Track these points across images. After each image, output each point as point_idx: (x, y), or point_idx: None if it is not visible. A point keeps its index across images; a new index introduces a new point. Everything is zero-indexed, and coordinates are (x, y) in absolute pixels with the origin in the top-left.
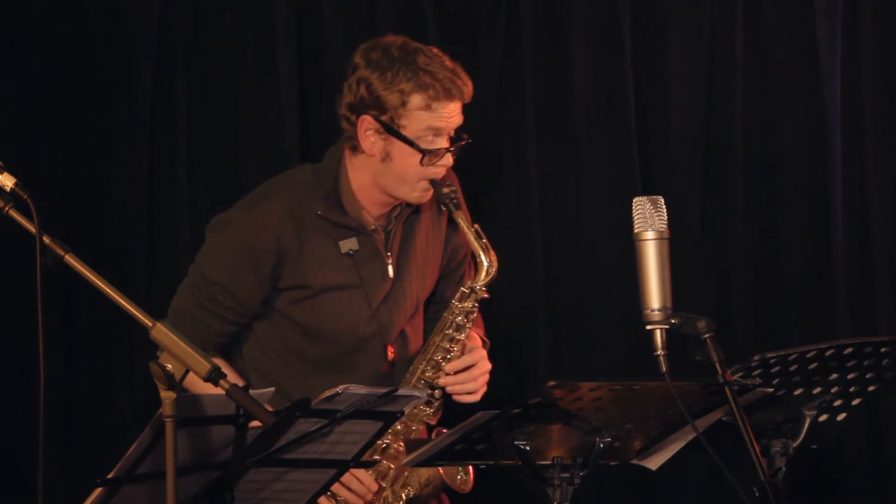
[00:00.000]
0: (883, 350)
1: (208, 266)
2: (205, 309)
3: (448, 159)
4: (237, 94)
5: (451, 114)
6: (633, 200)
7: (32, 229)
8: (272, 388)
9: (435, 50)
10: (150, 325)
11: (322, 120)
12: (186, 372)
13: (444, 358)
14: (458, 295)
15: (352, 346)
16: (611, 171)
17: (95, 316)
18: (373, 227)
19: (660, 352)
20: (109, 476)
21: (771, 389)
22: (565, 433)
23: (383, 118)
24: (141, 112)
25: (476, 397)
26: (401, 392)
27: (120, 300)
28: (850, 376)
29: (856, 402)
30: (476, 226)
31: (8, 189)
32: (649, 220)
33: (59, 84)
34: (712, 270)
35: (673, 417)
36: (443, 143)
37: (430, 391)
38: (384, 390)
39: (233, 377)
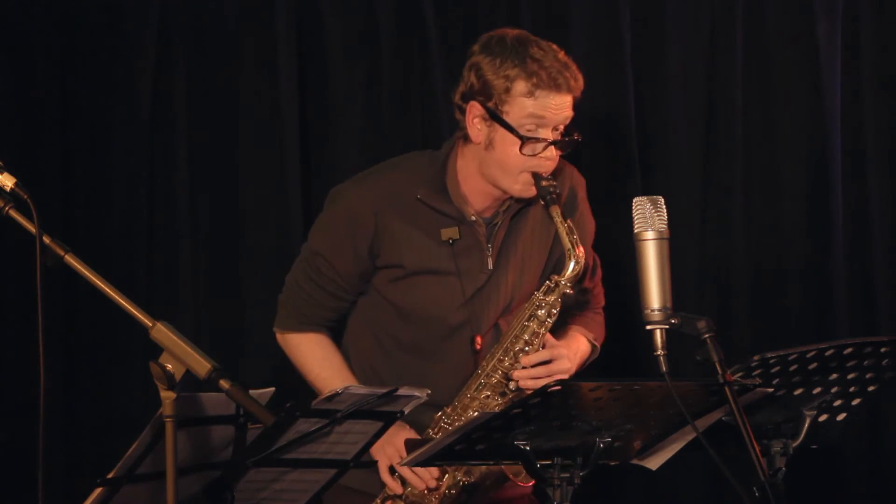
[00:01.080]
0: (883, 350)
1: (314, 237)
2: (311, 281)
3: (551, 152)
4: (237, 94)
5: (558, 106)
6: (633, 200)
7: (32, 229)
8: (272, 388)
9: (553, 45)
10: (150, 325)
11: (322, 120)
12: (186, 372)
13: (522, 350)
14: (542, 288)
15: (442, 332)
16: (611, 171)
17: (95, 316)
18: (473, 217)
19: (660, 352)
20: (109, 476)
21: (771, 389)
22: (565, 433)
23: (489, 104)
24: (141, 112)
25: None
26: (401, 392)
27: (120, 300)
28: (850, 376)
29: (856, 402)
30: (569, 222)
31: (8, 189)
32: (649, 220)
33: (59, 84)
34: (712, 270)
35: (673, 417)
36: (546, 134)
37: (505, 381)
38: (384, 390)
39: (333, 356)
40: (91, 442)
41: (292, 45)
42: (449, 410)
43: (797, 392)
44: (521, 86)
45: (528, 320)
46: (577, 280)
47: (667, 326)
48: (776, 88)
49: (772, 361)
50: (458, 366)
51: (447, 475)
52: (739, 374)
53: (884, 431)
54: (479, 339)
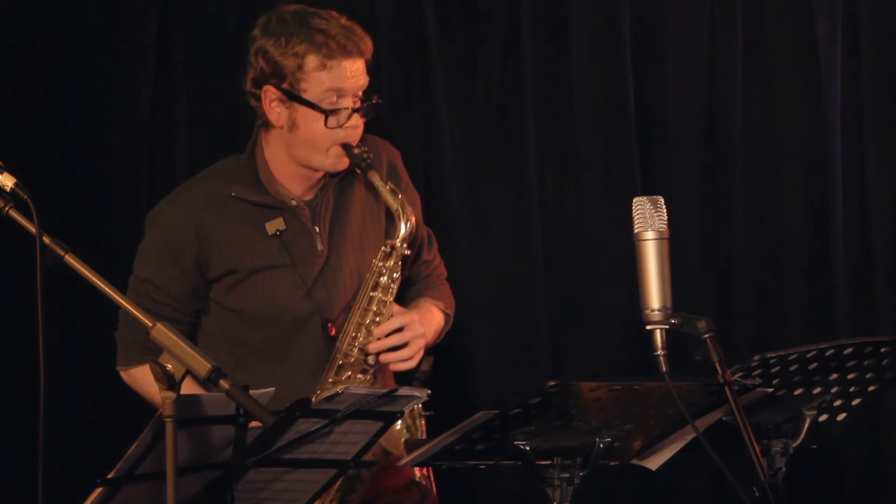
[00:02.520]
0: (883, 350)
1: (138, 264)
2: (144, 310)
3: (355, 120)
4: (237, 94)
5: (353, 73)
6: (633, 200)
7: (32, 229)
8: (272, 389)
9: (333, 13)
10: (150, 325)
11: None
12: (186, 372)
13: (373, 321)
14: (379, 255)
15: (291, 327)
16: (611, 171)
17: (95, 316)
18: (294, 203)
19: (660, 352)
20: (109, 476)
21: (771, 389)
22: (565, 433)
23: (284, 85)
24: (141, 112)
25: (410, 364)
26: (401, 392)
27: (120, 300)
28: (850, 376)
29: (856, 402)
30: (391, 183)
31: (8, 189)
32: (649, 220)
33: (59, 85)
34: (712, 270)
35: (673, 417)
36: (347, 103)
37: (363, 357)
38: (384, 390)
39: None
40: (91, 442)
41: None
42: (314, 400)
43: (797, 392)
44: (312, 60)
45: (373, 290)
46: (412, 243)
47: (667, 326)
48: (776, 88)
49: (772, 361)
50: (316, 357)
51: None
52: (739, 374)
53: (884, 431)
54: (331, 326)
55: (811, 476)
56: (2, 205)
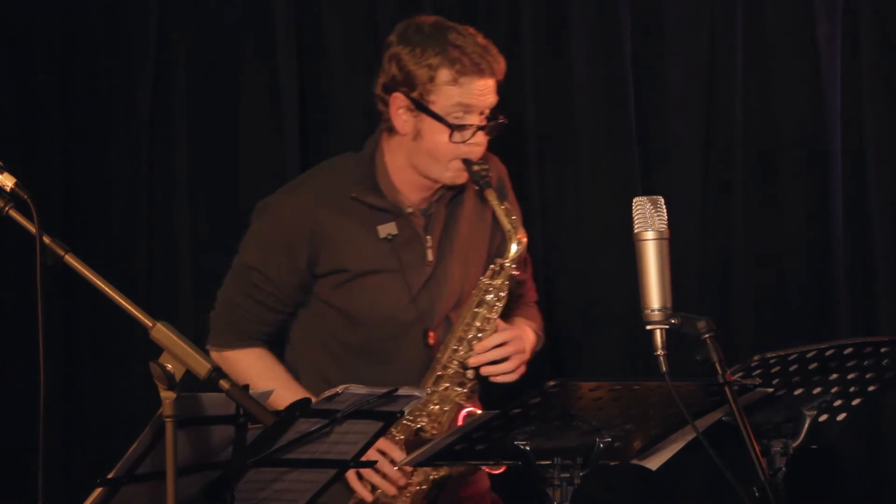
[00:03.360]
0: (883, 350)
1: (246, 252)
2: (247, 296)
3: (479, 137)
4: (237, 94)
5: (482, 91)
6: (633, 200)
7: (32, 229)
8: (272, 389)
9: (471, 29)
10: (150, 325)
11: (322, 120)
12: (186, 372)
13: (475, 337)
14: (488, 272)
15: (393, 331)
16: (611, 171)
17: (95, 316)
18: (410, 209)
19: (660, 352)
20: (109, 476)
21: (771, 389)
22: (565, 433)
23: (413, 94)
24: (141, 112)
25: (510, 377)
26: (401, 392)
27: (120, 300)
28: (850, 376)
29: (856, 402)
30: (506, 204)
31: (8, 189)
32: (649, 220)
33: (59, 84)
34: (712, 270)
35: (673, 417)
36: (473, 120)
37: (462, 370)
38: (384, 390)
39: (276, 368)
40: (91, 442)
41: (292, 44)
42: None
43: (797, 392)
44: (445, 74)
45: (478, 306)
46: (520, 264)
47: (667, 326)
48: (776, 88)
49: (772, 361)
50: (413, 363)
51: (416, 471)
52: (739, 374)
53: (884, 431)
54: (431, 334)
55: (811, 476)
56: (2, 205)
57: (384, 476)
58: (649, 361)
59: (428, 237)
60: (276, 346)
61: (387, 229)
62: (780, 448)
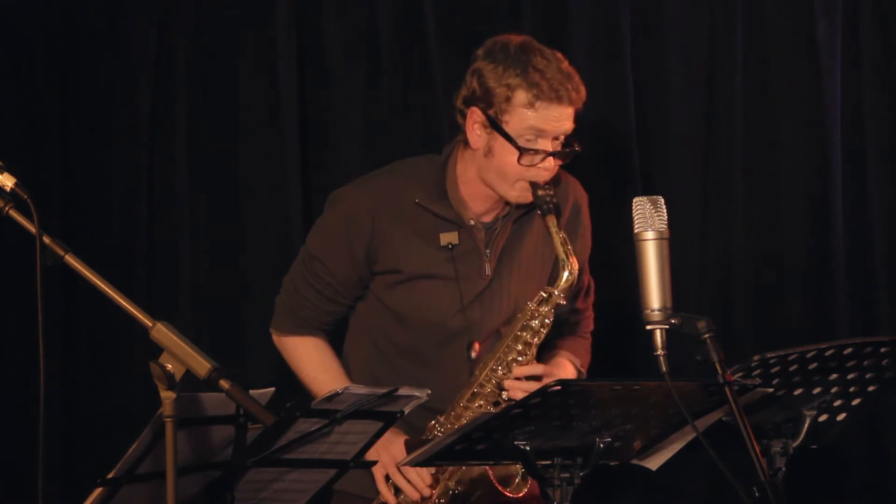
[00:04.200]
0: (883, 350)
1: (312, 240)
2: (308, 284)
3: (549, 163)
4: (237, 94)
5: (558, 117)
6: (633, 200)
7: (32, 229)
8: (272, 388)
9: (558, 55)
10: (150, 325)
11: (322, 120)
12: (186, 372)
13: (515, 360)
14: (536, 298)
15: (439, 337)
16: (611, 171)
17: (95, 316)
18: (472, 222)
19: (660, 352)
20: (109, 476)
21: (771, 389)
22: (565, 433)
23: (490, 112)
24: (141, 112)
25: None
26: (401, 392)
27: (120, 300)
28: (850, 376)
29: (856, 402)
30: (563, 233)
31: (8, 189)
32: (649, 220)
33: (59, 85)
34: (712, 270)
35: (673, 417)
36: (545, 145)
37: (498, 391)
38: (384, 390)
39: (328, 360)
40: (91, 442)
41: (292, 45)
42: (442, 419)
43: (797, 392)
44: (522, 96)
45: (522, 330)
46: (571, 292)
47: (667, 326)
48: (776, 89)
49: (772, 361)
50: (454, 372)
51: (439, 484)
52: (739, 374)
53: (884, 431)
54: (476, 346)
55: (811, 476)
56: (2, 205)
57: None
58: (649, 361)
59: (488, 251)
60: (340, 339)
61: (448, 238)
62: (780, 448)
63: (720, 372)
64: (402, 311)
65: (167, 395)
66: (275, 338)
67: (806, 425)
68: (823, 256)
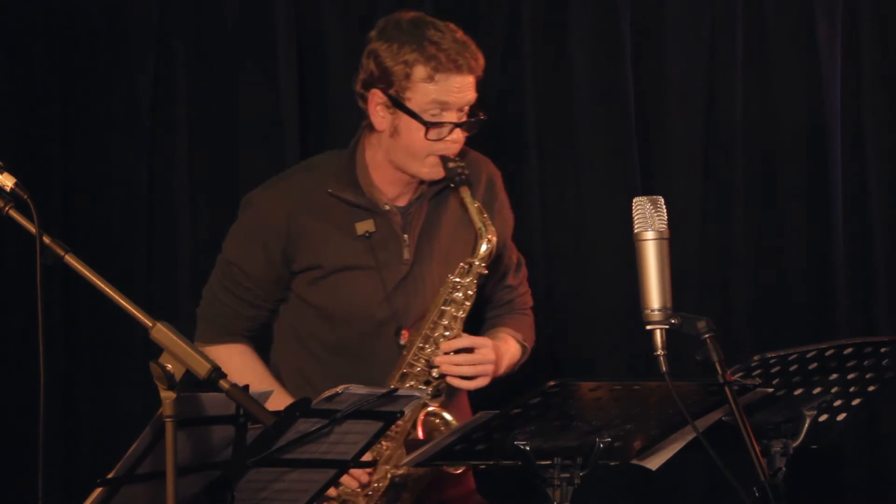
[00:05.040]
0: (883, 350)
1: (227, 246)
2: (227, 291)
3: (456, 135)
4: (237, 94)
5: (459, 88)
6: (633, 200)
7: (32, 229)
8: (272, 389)
9: (451, 25)
10: (150, 325)
11: (322, 120)
12: (186, 372)
13: (442, 335)
14: (457, 271)
15: (367, 329)
16: (611, 171)
17: (95, 316)
18: (387, 207)
19: (660, 352)
20: (109, 476)
21: (771, 389)
22: (565, 433)
23: (391, 91)
24: (141, 112)
25: (471, 385)
26: (401, 392)
27: (120, 300)
28: (850, 376)
29: (856, 402)
30: (479, 203)
31: (8, 189)
32: (649, 220)
33: (59, 84)
34: (712, 270)
35: (673, 417)
36: (450, 117)
37: (428, 369)
38: (384, 390)
39: (256, 365)
40: (91, 442)
41: (292, 45)
42: None
43: (797, 392)
44: (421, 71)
45: (446, 304)
46: (500, 269)
47: (667, 326)
48: (776, 88)
49: (772, 361)
50: (387, 362)
51: (376, 469)
52: (739, 374)
53: (884, 431)
54: (405, 333)
55: (811, 476)
56: (2, 205)
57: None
58: (649, 361)
59: (405, 235)
60: (265, 345)
61: (364, 226)
62: (780, 448)
63: (720, 372)
64: (327, 306)
65: (167, 395)
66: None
67: (806, 425)
68: (823, 256)
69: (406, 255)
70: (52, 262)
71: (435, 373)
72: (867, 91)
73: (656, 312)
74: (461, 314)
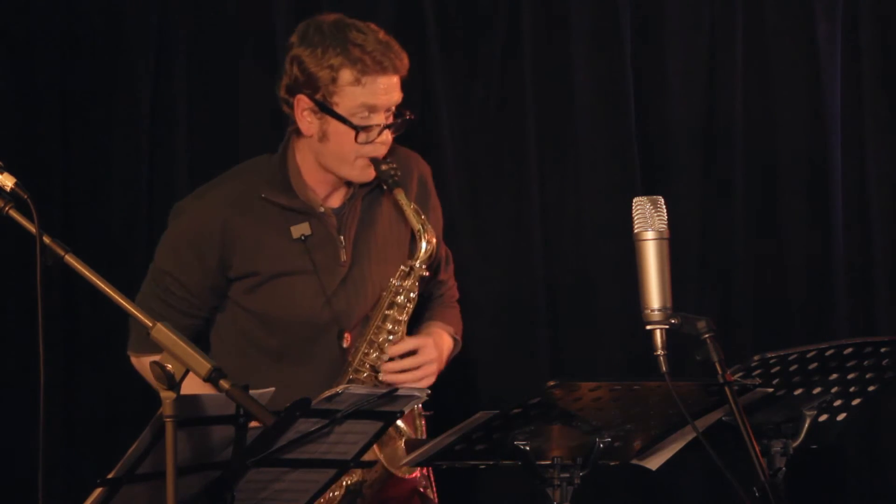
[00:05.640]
0: (883, 350)
1: (160, 256)
2: (160, 301)
3: (385, 136)
4: (237, 94)
5: (386, 89)
6: (633, 200)
7: (32, 229)
8: (272, 388)
9: (372, 26)
10: (150, 325)
11: None
12: (186, 372)
13: (386, 339)
14: (398, 274)
15: (308, 333)
16: (611, 171)
17: (95, 316)
18: (322, 209)
19: (660, 352)
20: (109, 476)
21: (771, 389)
22: (565, 433)
23: (317, 97)
24: (141, 112)
25: (419, 386)
26: (401, 392)
27: (120, 300)
28: (850, 376)
29: (856, 402)
30: (415, 204)
31: (8, 189)
32: (649, 220)
33: (59, 83)
34: (712, 270)
35: (673, 417)
36: (379, 119)
37: (374, 374)
38: (384, 390)
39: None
40: (91, 442)
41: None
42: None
43: (797, 392)
44: (347, 74)
45: (388, 308)
46: (431, 264)
47: (667, 326)
48: (776, 88)
49: (772, 361)
50: (329, 366)
51: None
52: (739, 374)
53: (884, 431)
54: (347, 336)
55: (811, 476)
56: (2, 205)
57: None
58: (649, 361)
59: (341, 237)
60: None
61: (300, 230)
62: (780, 448)
63: (720, 372)
64: (267, 313)
65: (167, 395)
66: (133, 360)
67: (806, 425)
68: (823, 256)
69: (343, 256)
70: (52, 262)
71: (381, 377)
72: (867, 91)
73: (656, 312)
74: (404, 317)
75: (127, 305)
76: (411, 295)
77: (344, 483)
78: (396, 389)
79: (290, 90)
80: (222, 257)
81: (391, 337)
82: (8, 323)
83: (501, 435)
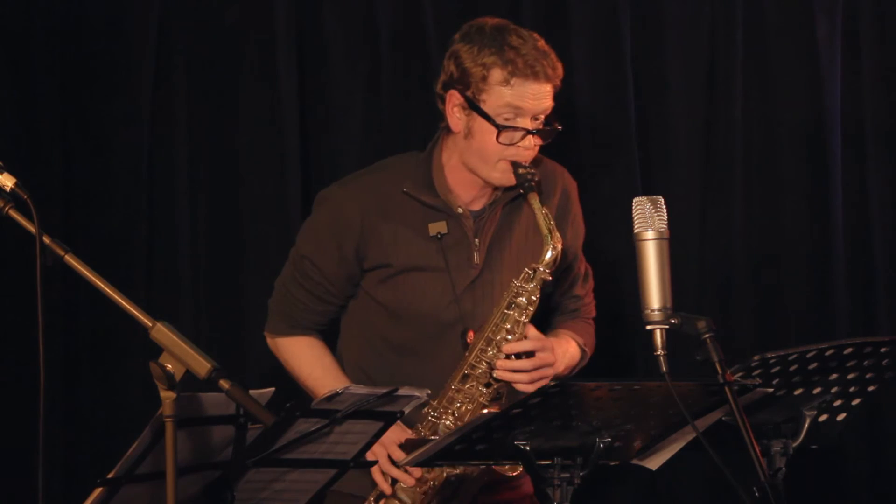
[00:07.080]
0: (883, 350)
1: (301, 240)
2: (299, 285)
3: (529, 141)
4: (237, 94)
5: (535, 95)
6: (633, 200)
7: (32, 229)
8: (272, 388)
9: (534, 34)
10: (150, 325)
11: (322, 120)
12: (186, 372)
13: (504, 338)
14: (521, 276)
15: (433, 329)
16: (611, 171)
17: (95, 316)
18: (460, 210)
19: (660, 352)
20: (109, 476)
21: (771, 389)
22: (565, 433)
23: (467, 93)
24: (141, 112)
25: (528, 389)
26: (401, 392)
27: (120, 300)
28: (850, 376)
29: (856, 402)
30: (546, 209)
31: (8, 189)
32: (649, 220)
33: (59, 83)
34: (712, 270)
35: (673, 417)
36: (524, 123)
37: (489, 370)
38: (384, 390)
39: (324, 357)
40: (91, 442)
41: (292, 45)
42: (435, 403)
43: (797, 392)
44: (497, 74)
45: (509, 308)
46: (567, 277)
47: (667, 326)
48: (776, 88)
49: (772, 361)
50: (450, 363)
51: (434, 468)
52: (739, 374)
53: (884, 431)
54: (471, 334)
55: (811, 476)
56: (2, 205)
57: (404, 470)
58: (649, 361)
59: (476, 240)
60: (332, 337)
61: (437, 227)
62: (780, 448)
63: (720, 372)
64: (395, 305)
65: (167, 395)
66: (269, 341)
67: (806, 425)
68: (823, 256)
69: (476, 259)
70: (52, 262)
71: (495, 374)
72: (867, 90)
73: (656, 312)
74: (524, 319)
75: (127, 305)
76: (533, 298)
77: (445, 474)
78: (396, 389)
79: (445, 86)
80: (359, 246)
81: (509, 336)
82: (8, 323)
83: (501, 435)
